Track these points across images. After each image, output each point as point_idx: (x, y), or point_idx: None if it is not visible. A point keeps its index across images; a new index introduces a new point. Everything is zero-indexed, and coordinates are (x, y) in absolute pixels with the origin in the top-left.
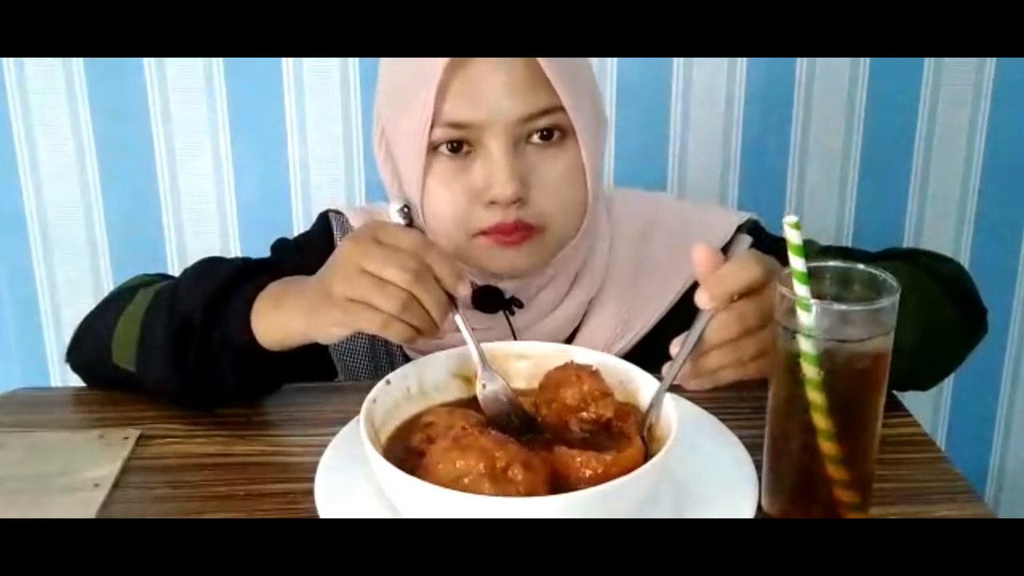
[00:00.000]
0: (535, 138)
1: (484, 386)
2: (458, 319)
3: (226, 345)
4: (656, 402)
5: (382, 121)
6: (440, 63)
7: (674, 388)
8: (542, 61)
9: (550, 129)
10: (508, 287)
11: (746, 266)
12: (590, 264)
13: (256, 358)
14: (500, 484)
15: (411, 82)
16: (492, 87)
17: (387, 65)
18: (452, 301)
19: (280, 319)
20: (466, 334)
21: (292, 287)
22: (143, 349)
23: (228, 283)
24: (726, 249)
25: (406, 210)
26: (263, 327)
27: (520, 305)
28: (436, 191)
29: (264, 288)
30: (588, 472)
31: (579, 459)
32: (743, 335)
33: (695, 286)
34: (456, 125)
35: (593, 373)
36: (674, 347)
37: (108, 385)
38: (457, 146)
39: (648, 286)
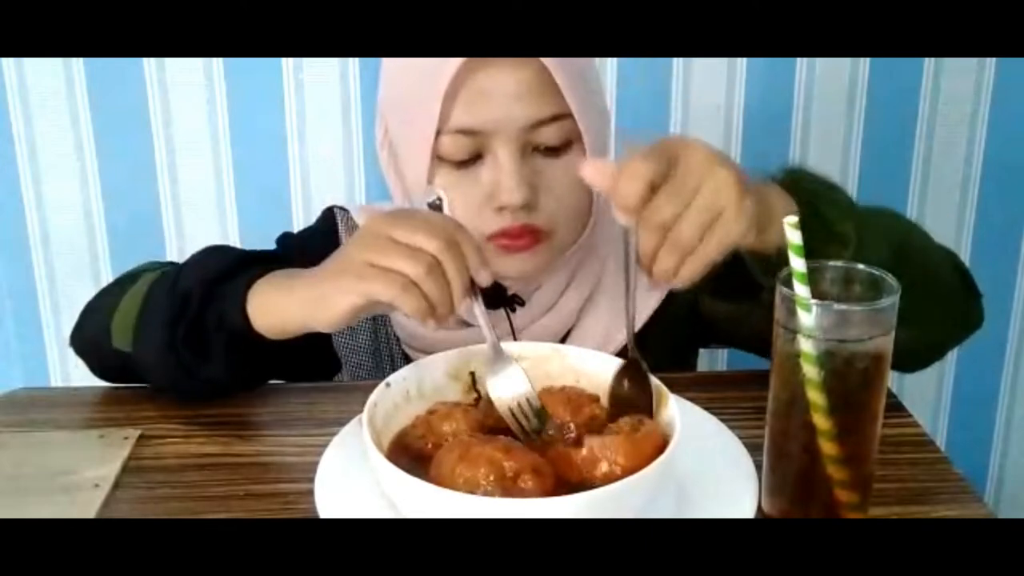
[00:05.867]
0: (543, 146)
1: (497, 386)
2: (476, 307)
3: (220, 326)
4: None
5: (386, 123)
6: (448, 71)
7: (676, 389)
8: (551, 66)
9: (558, 136)
10: (509, 284)
11: (637, 160)
12: (587, 261)
13: (248, 345)
14: (511, 493)
15: (418, 89)
16: (501, 93)
17: (391, 69)
18: (472, 288)
19: (280, 304)
20: (483, 322)
21: (297, 275)
22: (141, 326)
23: (232, 266)
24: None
25: (438, 202)
26: (260, 311)
27: (521, 303)
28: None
29: (265, 275)
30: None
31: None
32: (671, 218)
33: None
34: (464, 131)
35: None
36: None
37: (105, 370)
38: (464, 152)
39: (642, 284)
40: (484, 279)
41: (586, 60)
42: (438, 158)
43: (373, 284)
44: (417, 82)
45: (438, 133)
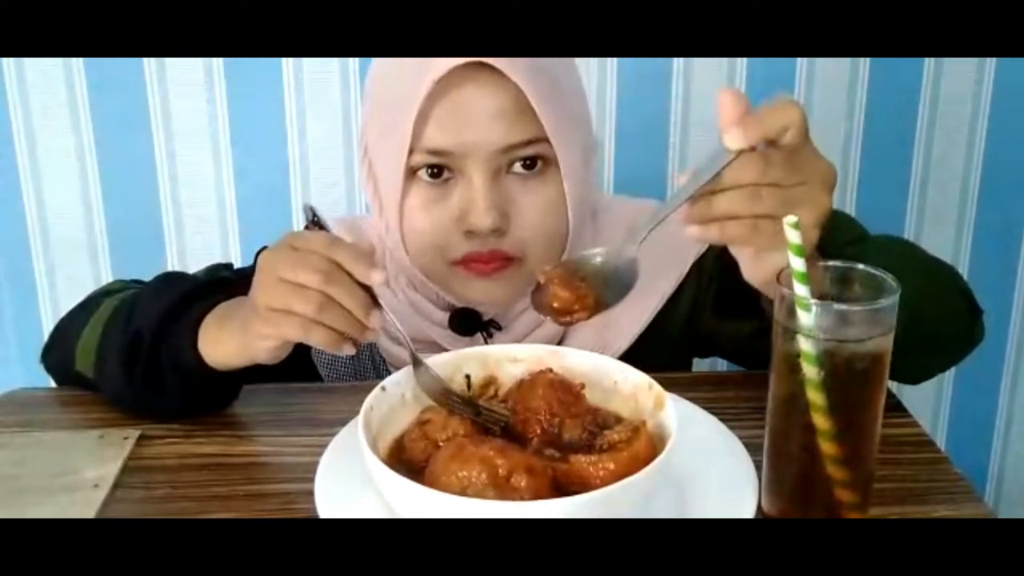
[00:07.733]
0: (517, 167)
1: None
2: (387, 314)
3: (174, 364)
4: (648, 224)
5: (366, 139)
6: (423, 89)
7: (676, 389)
8: (527, 90)
9: (532, 159)
10: (486, 310)
11: (784, 107)
12: None
13: (204, 379)
14: (504, 492)
15: (394, 106)
16: (475, 115)
17: (372, 85)
18: (375, 300)
19: (221, 340)
20: (398, 328)
21: (232, 308)
22: (100, 357)
23: (181, 301)
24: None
25: (312, 214)
26: (208, 349)
27: (498, 327)
28: (414, 216)
29: (212, 310)
30: (603, 472)
31: (591, 465)
32: (763, 182)
33: (676, 296)
34: (436, 152)
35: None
36: (681, 178)
37: (72, 386)
38: (437, 172)
39: (629, 300)
40: (377, 279)
41: (569, 81)
42: (411, 177)
43: (279, 328)
44: (394, 99)
45: (411, 151)
